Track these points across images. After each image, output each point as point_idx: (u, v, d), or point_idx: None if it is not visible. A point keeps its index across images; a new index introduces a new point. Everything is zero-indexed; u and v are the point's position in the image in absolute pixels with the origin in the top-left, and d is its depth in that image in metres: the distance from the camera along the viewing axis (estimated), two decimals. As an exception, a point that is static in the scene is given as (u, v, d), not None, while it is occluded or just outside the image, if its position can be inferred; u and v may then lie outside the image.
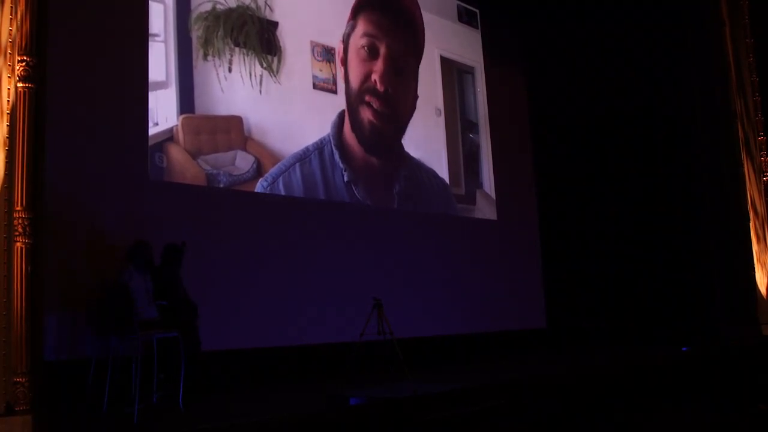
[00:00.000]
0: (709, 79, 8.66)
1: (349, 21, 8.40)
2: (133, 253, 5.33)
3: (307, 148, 7.64)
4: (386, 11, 8.80)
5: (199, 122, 6.75)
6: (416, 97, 9.08)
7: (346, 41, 8.34)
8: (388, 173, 8.59)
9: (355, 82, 8.33)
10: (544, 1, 10.40)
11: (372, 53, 8.53)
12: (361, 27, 8.47)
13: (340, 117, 8.09)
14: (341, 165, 7.94)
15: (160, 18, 6.61)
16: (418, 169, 8.90)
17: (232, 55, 7.08)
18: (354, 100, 8.28)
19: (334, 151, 7.90)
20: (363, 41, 8.47)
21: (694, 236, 9.32)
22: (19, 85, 3.88)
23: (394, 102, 8.75)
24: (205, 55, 6.87)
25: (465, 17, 10.04)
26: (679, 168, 9.71)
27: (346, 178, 7.98)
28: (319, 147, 7.77)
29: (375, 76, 8.47)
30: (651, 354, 8.10)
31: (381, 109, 8.51)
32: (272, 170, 7.25)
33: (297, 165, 7.48)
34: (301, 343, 7.08)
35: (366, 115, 8.36)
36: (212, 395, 5.65)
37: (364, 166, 8.29)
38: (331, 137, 7.90)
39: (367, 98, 8.40)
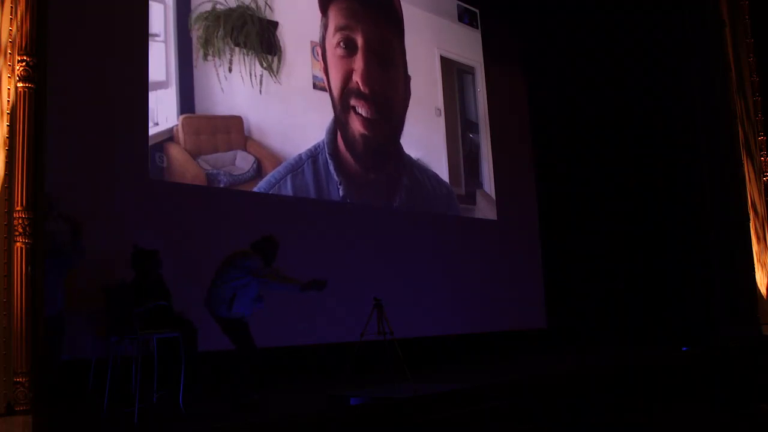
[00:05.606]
0: (709, 79, 8.65)
1: (321, 20, 7.79)
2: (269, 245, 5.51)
3: (300, 157, 7.32)
4: (355, -6, 7.96)
5: (199, 122, 6.75)
6: (408, 79, 8.61)
7: (322, 44, 7.73)
8: (389, 186, 8.23)
9: (336, 87, 7.71)
10: (544, 1, 10.40)
11: (349, 48, 7.84)
12: (332, 22, 7.79)
13: (335, 123, 7.82)
14: (336, 178, 7.59)
15: (160, 18, 6.61)
16: (421, 175, 8.65)
17: (232, 55, 7.08)
18: (340, 110, 7.73)
19: (329, 160, 7.57)
20: (337, 37, 7.73)
21: (694, 236, 9.33)
22: (19, 85, 3.87)
23: (384, 100, 8.26)
24: (205, 55, 6.86)
25: (465, 17, 10.03)
26: (679, 168, 9.71)
27: (341, 193, 7.66)
28: (313, 155, 7.40)
29: (356, 77, 7.83)
30: (651, 354, 8.10)
31: (370, 114, 7.93)
32: (261, 184, 7.01)
33: (288, 177, 7.16)
34: (301, 343, 7.08)
35: (356, 127, 7.80)
36: (212, 395, 5.65)
37: (361, 182, 7.91)
38: (325, 144, 7.63)
39: (352, 102, 7.82)
